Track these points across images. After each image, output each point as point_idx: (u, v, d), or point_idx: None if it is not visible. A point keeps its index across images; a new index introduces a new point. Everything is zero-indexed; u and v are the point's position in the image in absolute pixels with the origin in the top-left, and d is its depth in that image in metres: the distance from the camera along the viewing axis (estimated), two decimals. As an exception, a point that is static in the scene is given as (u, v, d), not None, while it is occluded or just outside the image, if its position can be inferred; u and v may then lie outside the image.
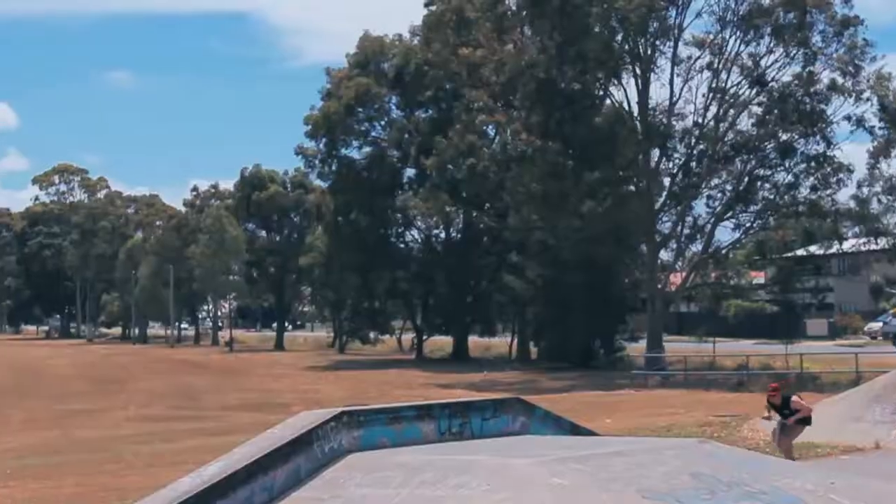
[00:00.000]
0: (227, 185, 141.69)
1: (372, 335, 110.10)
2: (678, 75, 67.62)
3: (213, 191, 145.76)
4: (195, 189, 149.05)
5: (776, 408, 24.56)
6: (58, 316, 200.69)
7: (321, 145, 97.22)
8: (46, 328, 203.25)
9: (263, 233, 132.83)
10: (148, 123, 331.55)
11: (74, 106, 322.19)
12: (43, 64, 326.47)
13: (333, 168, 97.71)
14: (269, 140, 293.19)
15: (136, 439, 36.76)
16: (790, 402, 24.37)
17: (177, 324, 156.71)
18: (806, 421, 24.40)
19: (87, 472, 25.69)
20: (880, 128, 66.29)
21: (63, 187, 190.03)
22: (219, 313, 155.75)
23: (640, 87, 68.01)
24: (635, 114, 68.83)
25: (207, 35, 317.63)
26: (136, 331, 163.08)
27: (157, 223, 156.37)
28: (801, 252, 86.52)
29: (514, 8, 71.42)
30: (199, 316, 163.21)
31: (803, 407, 24.39)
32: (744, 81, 67.29)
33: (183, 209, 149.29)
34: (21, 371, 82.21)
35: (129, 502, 16.93)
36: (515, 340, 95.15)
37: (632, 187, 71.12)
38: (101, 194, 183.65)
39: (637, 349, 75.39)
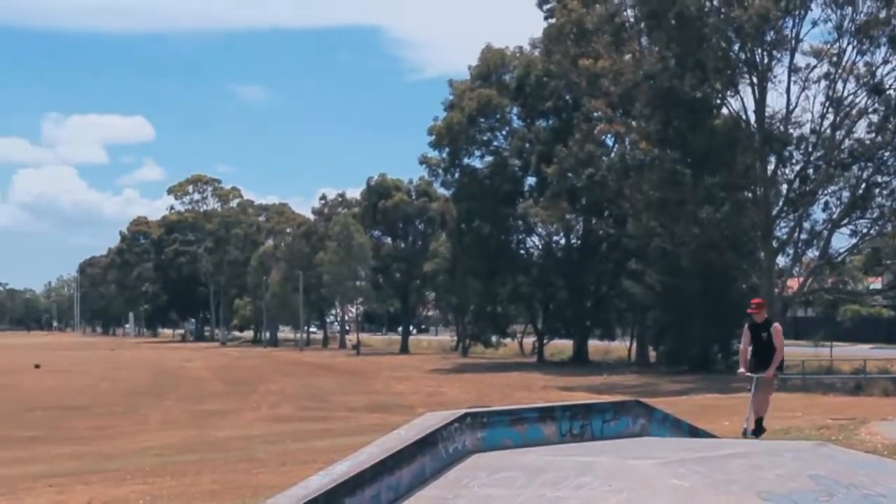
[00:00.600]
0: (354, 193, 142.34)
1: (494, 339, 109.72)
2: (795, 83, 66.83)
3: (340, 199, 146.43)
4: (323, 197, 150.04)
5: (755, 327, 20.00)
6: (193, 320, 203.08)
7: (445, 155, 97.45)
8: (182, 331, 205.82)
9: (389, 240, 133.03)
10: (278, 135, 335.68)
11: (208, 119, 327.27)
12: (178, 80, 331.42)
13: (456, 177, 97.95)
14: (395, 150, 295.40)
15: (267, 439, 37.04)
16: (772, 327, 19.86)
17: (306, 327, 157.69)
18: (781, 366, 20.60)
19: (222, 470, 25.93)
20: None
21: (197, 196, 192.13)
22: (346, 317, 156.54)
23: (757, 95, 67.26)
24: (752, 122, 68.20)
25: (336, 49, 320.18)
26: (267, 334, 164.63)
27: (287, 231, 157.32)
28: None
29: (632, 20, 71.10)
30: (327, 320, 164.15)
31: (780, 345, 19.70)
32: (860, 90, 66.42)
33: (312, 217, 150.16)
34: (159, 373, 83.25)
35: (261, 499, 17.00)
36: (635, 344, 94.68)
37: (749, 194, 70.23)
38: (233, 203, 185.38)
39: (754, 353, 74.56)
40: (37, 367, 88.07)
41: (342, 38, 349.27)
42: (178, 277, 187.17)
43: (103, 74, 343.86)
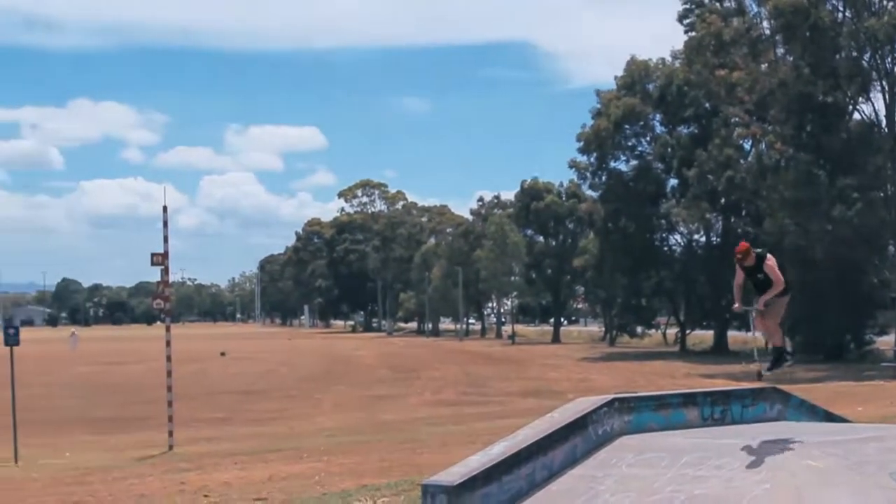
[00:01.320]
0: (509, 195, 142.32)
1: (639, 329, 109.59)
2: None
3: (496, 201, 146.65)
4: (480, 199, 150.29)
5: (750, 274, 17.06)
6: (361, 312, 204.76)
7: (592, 159, 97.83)
8: (352, 323, 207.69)
9: (541, 238, 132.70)
10: (438, 142, 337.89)
11: (374, 128, 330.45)
12: (347, 93, 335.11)
13: (603, 179, 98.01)
14: (545, 155, 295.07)
15: (429, 421, 37.23)
16: (764, 265, 16.89)
17: (465, 319, 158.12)
18: (786, 290, 17.33)
19: (388, 450, 26.12)
20: None
21: (365, 199, 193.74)
22: (502, 310, 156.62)
23: (888, 101, 66.08)
24: (884, 125, 67.01)
25: (491, 63, 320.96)
26: (429, 325, 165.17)
27: (447, 230, 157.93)
28: None
29: (767, 32, 70.39)
30: (485, 312, 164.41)
31: (776, 277, 16.89)
32: None
33: (470, 217, 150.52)
34: (331, 361, 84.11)
35: (425, 476, 17.12)
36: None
37: (880, 193, 69.04)
38: (398, 205, 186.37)
39: (886, 343, 73.20)
40: (222, 354, 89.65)
41: (497, 53, 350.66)
42: (348, 273, 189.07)
43: (279, 90, 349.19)
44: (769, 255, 16.63)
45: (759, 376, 17.29)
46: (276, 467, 22.98)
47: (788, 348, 16.82)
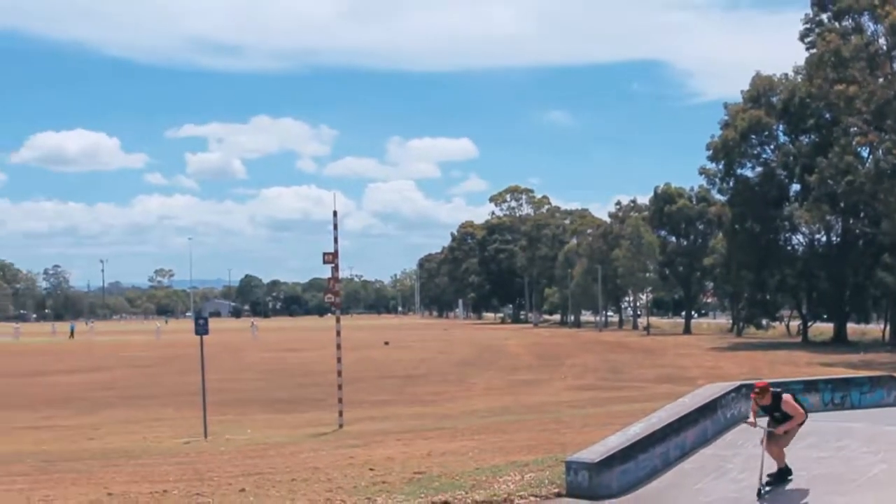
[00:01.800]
0: (644, 199, 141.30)
1: (764, 322, 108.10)
2: None
3: (632, 205, 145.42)
4: (618, 203, 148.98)
5: (766, 410, 16.00)
6: (510, 305, 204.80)
7: (720, 166, 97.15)
8: (501, 315, 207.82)
9: (673, 238, 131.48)
10: (579, 151, 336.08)
11: (522, 139, 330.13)
12: (497, 108, 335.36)
13: (731, 185, 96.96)
14: (677, 162, 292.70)
15: (571, 404, 37.11)
16: (781, 403, 15.81)
17: (603, 312, 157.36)
18: (802, 422, 16.24)
19: (535, 429, 26.11)
20: None
21: (513, 204, 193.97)
22: (637, 303, 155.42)
23: None
24: None
25: (627, 79, 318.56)
26: (571, 317, 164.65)
27: (588, 231, 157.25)
28: None
29: (884, 48, 68.93)
30: (622, 305, 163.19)
31: (797, 412, 15.83)
32: None
33: (608, 220, 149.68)
34: (482, 349, 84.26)
35: (569, 453, 17.15)
36: (888, 326, 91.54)
37: None
38: (543, 209, 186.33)
39: None
40: (386, 343, 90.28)
41: (634, 71, 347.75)
42: (497, 270, 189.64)
43: (436, 105, 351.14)
44: (786, 396, 15.94)
45: (759, 495, 15.53)
46: (434, 444, 23.12)
47: (789, 467, 16.07)
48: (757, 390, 15.93)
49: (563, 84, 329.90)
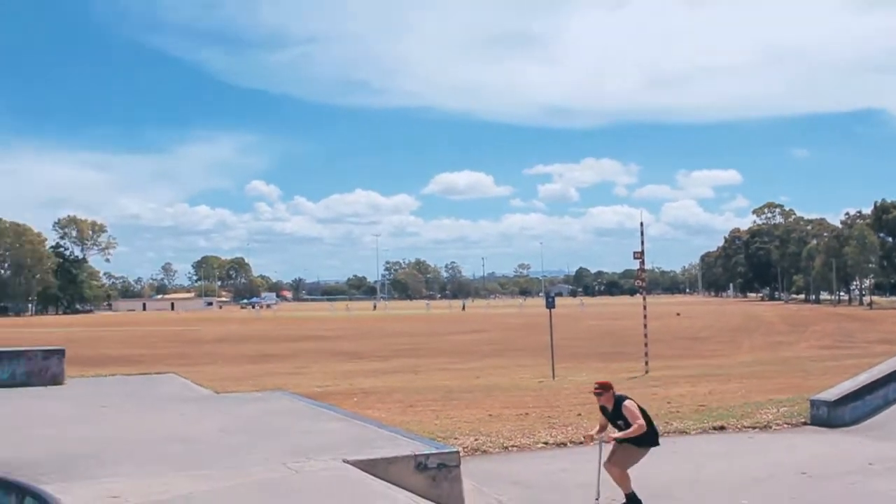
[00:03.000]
0: (867, 210, 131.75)
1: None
2: None
3: (858, 214, 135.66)
4: (847, 213, 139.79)
5: (610, 417, 9.95)
6: (767, 288, 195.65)
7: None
8: (761, 295, 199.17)
9: (890, 239, 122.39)
10: (817, 176, 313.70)
11: (774, 168, 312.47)
12: (756, 146, 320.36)
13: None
14: (893, 181, 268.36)
15: (813, 359, 34.94)
16: (622, 409, 9.79)
17: (837, 292, 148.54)
18: (644, 441, 9.73)
19: (786, 377, 24.83)
20: None
21: (769, 215, 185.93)
22: (863, 286, 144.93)
23: None
24: None
25: (852, 123, 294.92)
26: (813, 297, 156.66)
27: (824, 234, 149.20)
28: None
29: None
30: (851, 287, 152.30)
31: (636, 420, 9.60)
32: None
33: (839, 226, 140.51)
34: (747, 319, 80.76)
35: (812, 394, 16.20)
36: None
37: None
38: (791, 218, 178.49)
39: None
40: (677, 315, 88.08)
41: (856, 116, 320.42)
42: (758, 263, 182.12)
43: (711, 147, 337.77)
44: (629, 400, 9.83)
45: None
46: (713, 386, 22.42)
47: (637, 496, 9.80)
48: (596, 386, 10.04)
49: (804, 128, 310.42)
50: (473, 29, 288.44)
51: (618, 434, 9.63)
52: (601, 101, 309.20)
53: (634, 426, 9.54)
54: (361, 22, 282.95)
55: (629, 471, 9.76)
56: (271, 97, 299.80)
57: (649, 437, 9.75)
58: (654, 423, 9.99)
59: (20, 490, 4.83)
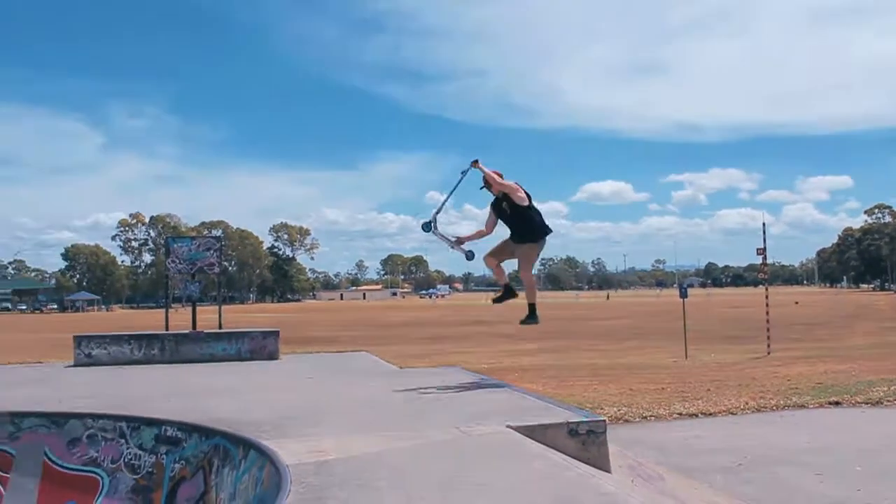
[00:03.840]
0: None
1: None
2: None
3: None
4: None
5: (488, 185, 7.97)
6: (878, 280, 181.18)
7: None
8: (872, 286, 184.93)
9: None
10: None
11: (883, 173, 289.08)
12: (867, 154, 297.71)
13: None
14: None
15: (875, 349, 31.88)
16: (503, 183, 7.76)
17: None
18: (530, 232, 7.74)
19: (876, 361, 22.81)
20: None
21: (879, 214, 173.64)
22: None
23: None
24: None
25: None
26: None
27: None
28: None
29: None
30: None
31: (508, 185, 7.71)
32: None
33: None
34: (860, 307, 74.86)
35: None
36: None
37: None
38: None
39: None
40: (796, 303, 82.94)
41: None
42: (869, 258, 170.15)
43: (826, 158, 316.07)
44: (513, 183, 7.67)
45: (496, 302, 8.63)
46: (829, 366, 20.86)
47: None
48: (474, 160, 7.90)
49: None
50: (612, 58, 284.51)
51: (485, 168, 7.89)
52: (726, 117, 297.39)
53: (514, 190, 7.75)
54: (517, 57, 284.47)
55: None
56: (444, 121, 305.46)
57: (538, 229, 7.83)
58: None
59: (245, 444, 5.02)
